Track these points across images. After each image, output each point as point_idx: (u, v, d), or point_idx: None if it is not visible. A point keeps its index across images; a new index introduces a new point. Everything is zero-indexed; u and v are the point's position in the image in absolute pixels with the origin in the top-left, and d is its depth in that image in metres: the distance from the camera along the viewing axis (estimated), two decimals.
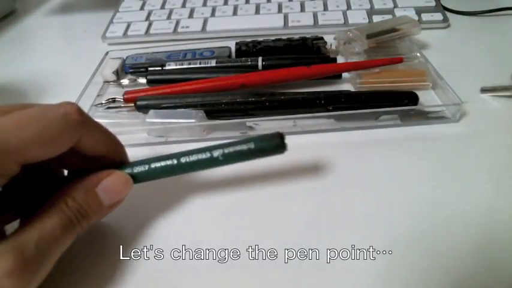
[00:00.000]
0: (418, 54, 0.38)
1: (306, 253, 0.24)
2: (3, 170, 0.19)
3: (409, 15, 0.41)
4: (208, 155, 0.23)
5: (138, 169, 0.24)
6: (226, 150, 0.23)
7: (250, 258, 0.24)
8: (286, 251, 0.24)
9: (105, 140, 0.24)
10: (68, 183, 0.22)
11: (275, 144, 0.23)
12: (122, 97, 0.36)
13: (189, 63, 0.39)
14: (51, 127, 0.20)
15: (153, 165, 0.24)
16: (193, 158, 0.23)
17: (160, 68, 0.39)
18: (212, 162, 0.23)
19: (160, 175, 0.24)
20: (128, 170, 0.24)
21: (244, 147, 0.23)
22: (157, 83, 0.38)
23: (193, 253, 0.24)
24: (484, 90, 0.34)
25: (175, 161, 0.23)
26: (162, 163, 0.24)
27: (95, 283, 0.23)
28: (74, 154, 0.22)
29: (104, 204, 0.22)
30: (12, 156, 0.19)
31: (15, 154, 0.19)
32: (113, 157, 0.24)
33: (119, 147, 0.25)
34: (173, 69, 0.39)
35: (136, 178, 0.24)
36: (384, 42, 0.39)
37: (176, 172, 0.24)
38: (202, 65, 0.38)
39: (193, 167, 0.23)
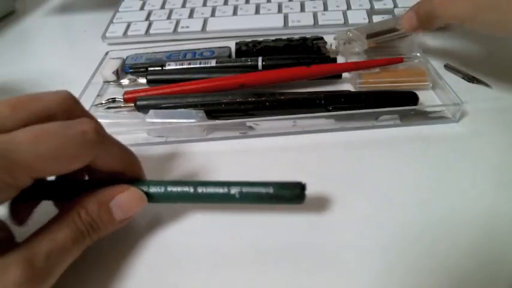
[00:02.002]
0: (418, 54, 0.38)
1: (305, 252, 0.24)
2: (15, 182, 0.19)
3: None
4: (225, 190, 0.23)
5: (153, 189, 0.24)
6: (244, 190, 0.23)
7: (250, 257, 0.24)
8: (286, 250, 0.24)
9: (122, 159, 0.24)
10: (83, 194, 0.22)
11: (295, 194, 0.23)
12: (121, 97, 0.36)
13: (189, 63, 0.39)
14: (67, 145, 0.20)
15: (169, 189, 0.24)
16: (210, 190, 0.24)
17: (160, 68, 0.39)
18: (228, 198, 0.23)
19: (174, 199, 0.24)
20: (144, 188, 0.24)
21: (262, 190, 0.23)
22: (157, 83, 0.38)
23: (193, 252, 0.24)
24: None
25: (191, 189, 0.24)
26: (179, 188, 0.24)
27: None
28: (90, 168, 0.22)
29: (115, 219, 0.23)
30: (25, 170, 0.19)
31: (29, 168, 0.19)
32: (130, 174, 0.24)
33: (135, 164, 0.25)
34: (173, 69, 0.39)
35: (150, 197, 0.24)
36: (384, 42, 0.39)
37: (190, 200, 0.24)
38: (202, 65, 0.38)
39: (209, 198, 0.24)
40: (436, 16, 0.32)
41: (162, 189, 0.24)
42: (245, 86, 0.35)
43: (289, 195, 0.23)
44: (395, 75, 0.35)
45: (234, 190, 0.23)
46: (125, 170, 0.24)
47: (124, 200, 0.23)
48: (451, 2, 0.30)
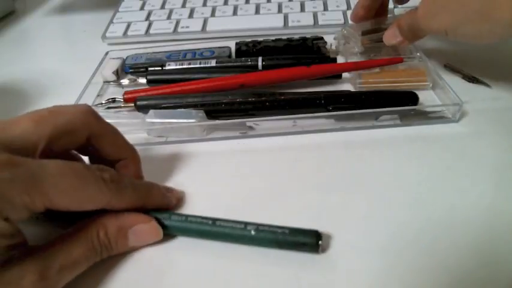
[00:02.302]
0: (418, 54, 0.38)
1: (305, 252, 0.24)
2: (32, 206, 0.19)
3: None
4: (242, 226, 0.24)
5: (174, 223, 0.25)
6: (261, 228, 0.24)
7: (250, 256, 0.24)
8: (286, 253, 0.24)
9: (137, 200, 0.24)
10: (104, 214, 0.23)
11: (308, 243, 0.23)
12: (121, 97, 0.36)
13: (189, 63, 0.39)
14: (85, 188, 0.21)
15: (188, 226, 0.25)
16: (227, 224, 0.24)
17: (160, 68, 0.39)
18: (244, 235, 0.24)
19: (190, 234, 0.25)
20: (166, 220, 0.25)
21: (278, 230, 0.23)
22: (157, 83, 0.38)
23: (192, 250, 0.24)
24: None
25: (209, 222, 0.24)
26: (199, 226, 0.25)
27: None
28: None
29: (128, 245, 0.24)
30: (44, 199, 0.20)
31: (47, 199, 0.20)
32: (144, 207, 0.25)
33: (150, 202, 0.25)
34: (173, 69, 0.39)
35: (168, 229, 0.25)
36: (380, 41, 0.39)
37: (207, 236, 0.25)
38: (202, 65, 0.38)
39: (226, 236, 0.24)
40: (420, 29, 0.32)
41: (182, 225, 0.25)
42: (245, 86, 0.35)
43: (304, 240, 0.23)
44: (395, 75, 0.35)
45: (250, 227, 0.24)
46: (141, 207, 0.24)
47: (143, 231, 0.24)
48: (434, 16, 0.30)
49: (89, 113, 0.24)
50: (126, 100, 0.35)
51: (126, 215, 0.24)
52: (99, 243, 0.22)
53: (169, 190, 0.27)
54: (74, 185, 0.21)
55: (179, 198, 0.27)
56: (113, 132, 0.26)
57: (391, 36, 0.35)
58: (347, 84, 0.37)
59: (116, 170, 0.25)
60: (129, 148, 0.27)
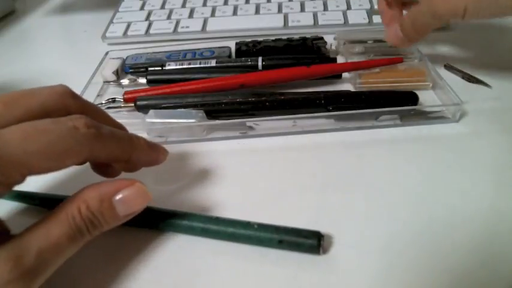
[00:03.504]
0: (418, 52, 0.38)
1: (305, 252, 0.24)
2: (7, 179, 0.19)
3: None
4: (244, 223, 0.24)
5: (175, 221, 0.25)
6: (263, 226, 0.24)
7: (250, 256, 0.24)
8: (284, 253, 0.24)
9: (121, 150, 0.23)
10: (83, 188, 0.21)
11: (309, 243, 0.23)
12: (121, 97, 0.36)
13: (189, 63, 0.39)
14: (58, 141, 0.19)
15: (190, 224, 0.25)
16: (231, 222, 0.24)
17: (160, 68, 0.39)
18: (246, 233, 0.24)
19: (192, 232, 0.25)
20: (168, 219, 0.25)
21: (280, 229, 0.23)
22: (157, 83, 0.38)
23: (192, 250, 0.24)
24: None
25: (211, 225, 0.24)
26: (202, 224, 0.25)
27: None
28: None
29: (119, 215, 0.22)
30: (15, 167, 0.18)
31: (20, 166, 0.19)
32: (135, 160, 0.24)
33: (142, 152, 0.24)
34: (173, 69, 0.39)
35: (170, 227, 0.25)
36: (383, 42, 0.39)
37: (209, 234, 0.25)
38: (202, 65, 0.38)
39: (228, 234, 0.24)
40: (432, 15, 0.30)
41: (183, 221, 0.25)
42: (245, 86, 0.35)
43: (304, 242, 0.23)
44: (395, 76, 0.35)
45: (252, 224, 0.24)
46: (129, 157, 0.23)
47: (129, 196, 0.22)
48: None
49: (65, 94, 0.22)
50: (126, 100, 0.35)
51: (106, 183, 0.22)
52: (82, 219, 0.20)
53: (155, 144, 0.26)
54: (43, 143, 0.19)
55: (166, 154, 0.26)
56: (94, 111, 0.24)
57: (392, 36, 0.34)
58: (347, 84, 0.37)
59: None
60: (117, 126, 0.25)
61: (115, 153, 0.22)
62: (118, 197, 0.21)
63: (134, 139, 0.24)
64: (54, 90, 0.22)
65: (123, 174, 0.26)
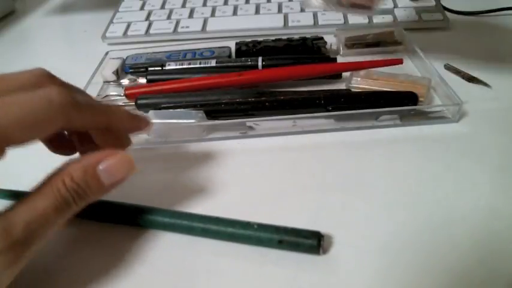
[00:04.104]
0: (418, 51, 0.38)
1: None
2: None
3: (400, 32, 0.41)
4: (244, 223, 0.24)
5: (176, 221, 0.25)
6: (263, 226, 0.24)
7: (250, 256, 0.24)
8: (283, 254, 0.24)
9: (98, 116, 0.23)
10: (67, 161, 0.21)
11: (309, 244, 0.23)
12: (122, 94, 0.36)
13: (189, 63, 0.39)
14: (33, 111, 0.20)
15: (190, 224, 0.25)
16: (230, 222, 0.24)
17: (160, 68, 0.39)
18: (246, 233, 0.24)
19: (192, 232, 0.25)
20: (168, 218, 0.25)
21: (280, 229, 0.24)
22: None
23: (192, 250, 0.24)
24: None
25: (211, 225, 0.24)
26: (202, 224, 0.25)
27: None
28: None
29: (104, 184, 0.22)
30: None
31: None
32: (119, 128, 0.24)
33: (121, 118, 0.24)
34: (173, 69, 0.39)
35: (170, 227, 0.25)
36: (384, 42, 0.39)
37: (210, 234, 0.25)
38: (202, 65, 0.38)
39: (228, 234, 0.24)
40: None
41: (183, 221, 0.25)
42: (244, 82, 0.35)
43: (304, 242, 0.23)
44: (392, 85, 0.34)
45: (252, 224, 0.24)
46: (109, 124, 0.23)
47: (112, 164, 0.22)
48: None
49: (43, 75, 0.23)
50: (127, 96, 0.36)
51: (89, 155, 0.22)
52: (67, 191, 0.20)
53: (137, 114, 0.26)
54: (18, 113, 0.19)
55: (148, 123, 0.26)
56: (74, 90, 0.24)
57: None
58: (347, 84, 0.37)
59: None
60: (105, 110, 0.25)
61: (92, 119, 0.23)
62: (102, 166, 0.21)
63: (112, 107, 0.25)
64: (32, 73, 0.23)
65: None
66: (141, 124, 0.26)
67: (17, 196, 0.28)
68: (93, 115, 0.23)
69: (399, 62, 0.35)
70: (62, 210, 0.20)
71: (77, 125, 0.22)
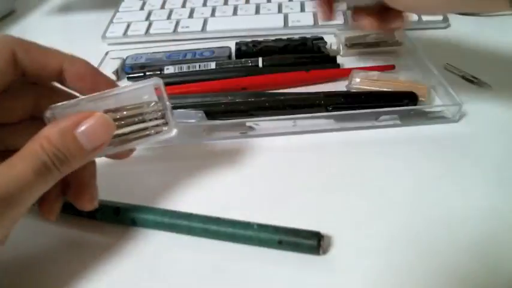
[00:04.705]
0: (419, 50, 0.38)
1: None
2: None
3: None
4: (244, 224, 0.24)
5: (177, 221, 0.25)
6: (263, 227, 0.24)
7: (250, 256, 0.24)
8: (285, 252, 0.24)
9: (47, 54, 0.23)
10: (46, 126, 0.21)
11: (309, 244, 0.23)
12: None
13: (188, 67, 0.39)
14: None
15: (191, 224, 0.25)
16: (231, 222, 0.24)
17: (159, 73, 0.39)
18: (246, 233, 0.24)
19: (193, 233, 0.25)
20: (169, 219, 0.25)
21: (280, 229, 0.24)
22: None
23: (192, 250, 0.24)
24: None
25: (211, 225, 0.25)
26: (202, 225, 0.25)
27: None
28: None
29: (84, 148, 0.21)
30: None
31: None
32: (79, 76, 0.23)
33: (74, 62, 0.23)
34: (172, 73, 0.38)
35: (171, 227, 0.25)
36: (384, 43, 0.39)
37: (210, 235, 0.25)
38: (201, 69, 0.38)
39: (228, 234, 0.24)
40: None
41: (184, 222, 0.25)
42: (246, 90, 0.36)
43: (303, 242, 0.23)
44: (392, 86, 0.34)
45: (252, 225, 0.24)
46: (60, 66, 0.23)
47: (90, 127, 0.21)
48: None
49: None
50: None
51: (66, 118, 0.21)
52: (45, 154, 0.20)
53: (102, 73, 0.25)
54: None
55: (113, 81, 0.25)
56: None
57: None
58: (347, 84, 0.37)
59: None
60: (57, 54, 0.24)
61: (41, 58, 0.22)
62: (80, 129, 0.21)
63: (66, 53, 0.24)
64: None
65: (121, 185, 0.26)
66: (101, 82, 0.24)
67: None
68: (41, 51, 0.23)
69: (390, 68, 0.36)
70: (42, 174, 0.20)
71: (25, 63, 0.22)
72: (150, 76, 0.38)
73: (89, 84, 0.24)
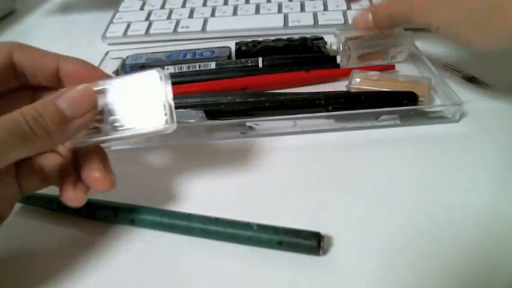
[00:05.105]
0: (418, 51, 0.38)
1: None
2: None
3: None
4: (244, 224, 0.24)
5: (176, 222, 0.25)
6: (263, 227, 0.24)
7: (250, 257, 0.24)
8: (285, 253, 0.24)
9: (48, 58, 0.23)
10: None
11: (309, 244, 0.23)
12: None
13: (188, 67, 0.39)
14: None
15: (190, 224, 0.25)
16: (231, 223, 0.24)
17: None
18: (246, 234, 0.24)
19: (192, 233, 0.25)
20: (168, 219, 0.25)
21: (280, 230, 0.24)
22: None
23: (192, 250, 0.24)
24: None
25: (211, 226, 0.24)
26: (202, 225, 0.25)
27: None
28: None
29: (66, 114, 0.21)
30: None
31: None
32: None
33: (70, 60, 0.24)
34: (172, 73, 0.38)
35: (171, 227, 0.25)
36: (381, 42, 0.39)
37: (209, 235, 0.25)
38: (201, 69, 0.38)
39: (228, 235, 0.24)
40: (407, 18, 0.31)
41: (183, 222, 0.25)
42: (246, 89, 0.36)
43: (304, 242, 0.23)
44: (392, 86, 0.34)
45: (252, 225, 0.24)
46: (55, 65, 0.23)
47: (71, 95, 0.21)
48: (431, 8, 0.29)
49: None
50: None
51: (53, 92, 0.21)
52: (24, 118, 0.19)
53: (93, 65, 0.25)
54: None
55: (105, 73, 0.25)
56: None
57: (361, 22, 0.34)
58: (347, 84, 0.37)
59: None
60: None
61: (38, 58, 0.23)
62: (61, 98, 0.21)
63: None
64: None
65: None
66: (96, 74, 0.24)
67: None
68: (38, 52, 0.23)
69: (390, 68, 0.36)
70: (21, 137, 0.19)
71: (22, 63, 0.22)
72: None
73: (87, 81, 0.23)
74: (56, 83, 0.24)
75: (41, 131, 0.20)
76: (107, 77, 0.24)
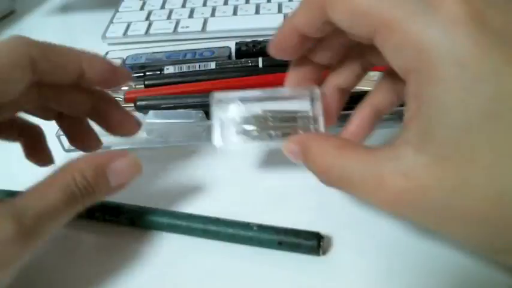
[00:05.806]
0: None
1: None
2: None
3: None
4: (244, 224, 0.24)
5: (176, 222, 0.25)
6: (263, 227, 0.24)
7: (250, 257, 0.24)
8: (285, 253, 0.24)
9: (66, 56, 0.23)
10: (76, 159, 0.22)
11: (309, 245, 0.23)
12: (122, 97, 0.36)
13: (188, 67, 0.39)
14: None
15: (190, 225, 0.25)
16: (230, 223, 0.24)
17: (159, 73, 0.39)
18: (246, 234, 0.24)
19: (192, 233, 0.25)
20: (168, 219, 0.25)
21: (280, 230, 0.23)
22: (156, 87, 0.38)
23: (192, 250, 0.24)
24: None
25: (211, 226, 0.25)
26: (202, 225, 0.25)
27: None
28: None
29: (111, 185, 0.22)
30: None
31: None
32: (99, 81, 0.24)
33: (93, 61, 0.23)
34: (172, 73, 0.38)
35: (171, 227, 0.25)
36: None
37: (209, 235, 0.25)
38: (201, 69, 0.38)
39: (228, 235, 0.24)
40: None
41: (183, 222, 0.25)
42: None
43: (304, 243, 0.23)
44: None
45: (252, 225, 0.24)
46: (80, 69, 0.22)
47: (121, 166, 0.22)
48: None
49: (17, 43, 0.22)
50: (127, 100, 0.35)
51: (99, 154, 0.22)
52: (77, 187, 0.20)
53: (117, 67, 0.25)
54: None
55: (129, 75, 0.26)
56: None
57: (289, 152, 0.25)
58: None
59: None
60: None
61: (60, 60, 0.22)
62: (112, 167, 0.22)
63: (83, 51, 0.23)
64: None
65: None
66: (121, 78, 0.25)
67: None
68: (59, 54, 0.22)
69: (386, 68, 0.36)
70: (70, 205, 0.20)
71: (45, 70, 0.21)
72: (150, 76, 0.38)
73: (109, 83, 0.24)
74: (77, 82, 0.23)
75: (88, 200, 0.21)
76: (126, 75, 0.26)
